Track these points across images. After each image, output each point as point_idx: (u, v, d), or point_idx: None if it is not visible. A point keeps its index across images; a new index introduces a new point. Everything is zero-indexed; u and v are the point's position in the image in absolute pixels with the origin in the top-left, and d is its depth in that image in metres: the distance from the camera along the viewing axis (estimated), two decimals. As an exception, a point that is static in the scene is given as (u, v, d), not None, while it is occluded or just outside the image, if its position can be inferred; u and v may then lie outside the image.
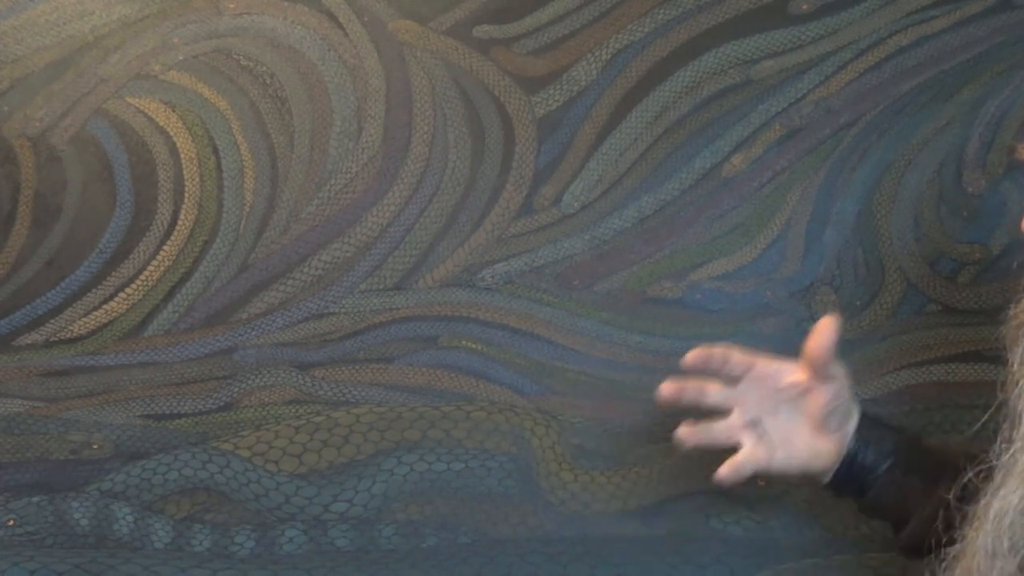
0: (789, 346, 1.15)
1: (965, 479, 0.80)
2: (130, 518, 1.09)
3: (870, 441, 0.98)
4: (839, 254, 1.16)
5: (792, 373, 1.00)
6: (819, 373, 0.99)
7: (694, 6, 1.17)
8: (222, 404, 1.12)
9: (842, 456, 0.98)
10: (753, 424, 0.99)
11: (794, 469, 1.00)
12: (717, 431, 0.99)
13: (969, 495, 0.79)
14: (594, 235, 1.16)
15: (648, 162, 1.16)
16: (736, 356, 1.00)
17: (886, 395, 1.15)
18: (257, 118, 1.14)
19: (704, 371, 1.00)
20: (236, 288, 1.13)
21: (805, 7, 1.17)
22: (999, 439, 0.78)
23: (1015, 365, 0.78)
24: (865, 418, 1.00)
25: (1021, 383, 0.76)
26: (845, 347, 1.15)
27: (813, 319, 1.15)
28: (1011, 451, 0.75)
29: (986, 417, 0.82)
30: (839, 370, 1.00)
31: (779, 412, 0.99)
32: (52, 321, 1.11)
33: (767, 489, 1.14)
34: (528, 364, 1.14)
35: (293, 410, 1.12)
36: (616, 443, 1.15)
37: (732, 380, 1.00)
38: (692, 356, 1.00)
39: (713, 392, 1.00)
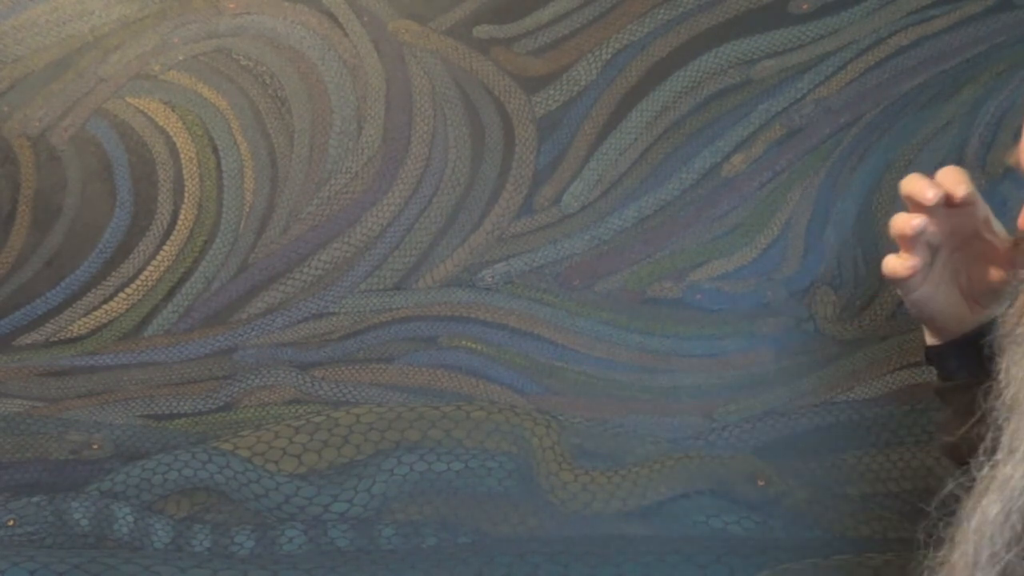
0: (789, 346, 1.16)
1: (947, 489, 0.80)
2: (130, 518, 1.09)
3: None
4: (839, 254, 1.16)
5: (999, 235, 0.96)
6: (1019, 253, 0.93)
7: (694, 6, 1.16)
8: (222, 404, 1.12)
9: (967, 330, 0.96)
10: (933, 246, 0.96)
11: (928, 311, 0.97)
12: (914, 225, 0.94)
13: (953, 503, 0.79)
14: (594, 235, 1.16)
15: (648, 162, 1.16)
16: (970, 188, 0.94)
17: (886, 395, 1.15)
18: (257, 118, 1.14)
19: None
20: (236, 288, 1.13)
21: (805, 7, 1.17)
22: (981, 449, 0.79)
23: (1000, 375, 0.78)
24: None
25: (1004, 394, 0.77)
26: (845, 347, 1.16)
27: (813, 319, 1.16)
28: (993, 462, 0.76)
29: (968, 425, 0.82)
30: None
31: (955, 254, 0.96)
32: (52, 321, 1.11)
33: (767, 489, 1.14)
34: (528, 364, 1.14)
35: (293, 410, 1.12)
36: (616, 443, 1.15)
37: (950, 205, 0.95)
38: (954, 181, 0.93)
39: (933, 197, 0.94)
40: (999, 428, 0.77)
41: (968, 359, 0.98)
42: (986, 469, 0.76)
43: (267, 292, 1.13)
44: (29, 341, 1.11)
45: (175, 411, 1.11)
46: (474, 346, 1.14)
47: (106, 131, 1.12)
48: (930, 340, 0.99)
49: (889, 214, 1.19)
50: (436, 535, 1.11)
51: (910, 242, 0.95)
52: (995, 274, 0.95)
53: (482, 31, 1.16)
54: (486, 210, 1.15)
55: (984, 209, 0.96)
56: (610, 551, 1.11)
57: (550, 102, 1.16)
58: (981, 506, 0.73)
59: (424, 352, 1.14)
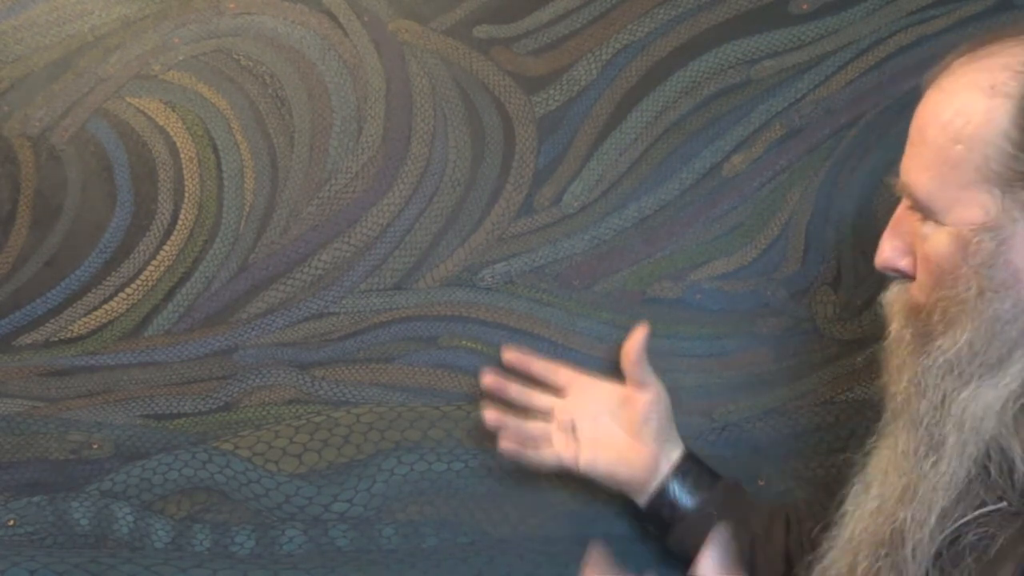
0: (789, 346, 1.16)
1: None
2: (130, 518, 1.09)
3: (688, 474, 1.02)
4: (839, 254, 1.16)
5: (610, 387, 1.07)
6: (633, 379, 1.06)
7: (694, 6, 1.17)
8: (222, 404, 1.12)
9: (657, 480, 1.04)
10: (567, 428, 1.06)
11: (600, 471, 1.05)
12: (530, 429, 1.07)
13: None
14: (594, 235, 1.16)
15: (648, 162, 1.16)
16: (561, 371, 1.08)
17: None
18: (257, 118, 1.14)
19: (528, 375, 1.09)
20: (236, 288, 1.13)
21: (805, 7, 1.17)
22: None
23: (887, 375, 0.84)
24: (689, 456, 1.05)
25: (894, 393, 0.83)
26: (845, 347, 1.16)
27: (813, 319, 1.16)
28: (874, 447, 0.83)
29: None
30: (654, 382, 1.06)
31: (598, 419, 1.06)
32: (52, 321, 1.11)
33: (767, 489, 1.14)
34: (528, 364, 1.14)
35: (293, 410, 1.12)
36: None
37: (558, 390, 1.09)
38: (511, 357, 1.09)
39: (537, 398, 1.08)
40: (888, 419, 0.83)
41: (675, 508, 1.04)
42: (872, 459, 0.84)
43: (267, 292, 1.13)
44: (29, 341, 1.11)
45: (175, 411, 1.11)
46: (474, 346, 1.14)
47: (106, 131, 1.12)
48: (637, 501, 1.07)
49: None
50: (436, 535, 1.11)
51: (524, 440, 1.07)
52: (635, 406, 1.05)
53: (482, 31, 1.16)
54: (486, 210, 1.15)
55: (587, 379, 1.09)
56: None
57: (550, 102, 1.16)
58: (874, 493, 0.79)
59: (424, 352, 1.14)
